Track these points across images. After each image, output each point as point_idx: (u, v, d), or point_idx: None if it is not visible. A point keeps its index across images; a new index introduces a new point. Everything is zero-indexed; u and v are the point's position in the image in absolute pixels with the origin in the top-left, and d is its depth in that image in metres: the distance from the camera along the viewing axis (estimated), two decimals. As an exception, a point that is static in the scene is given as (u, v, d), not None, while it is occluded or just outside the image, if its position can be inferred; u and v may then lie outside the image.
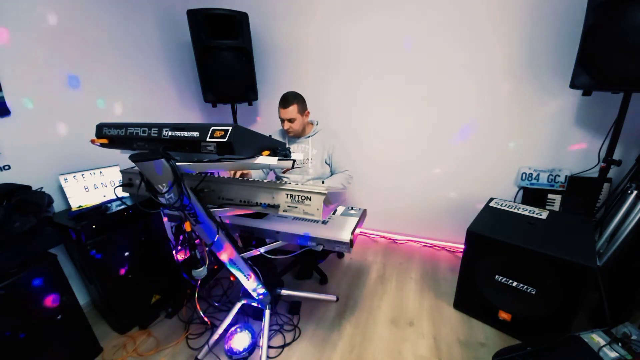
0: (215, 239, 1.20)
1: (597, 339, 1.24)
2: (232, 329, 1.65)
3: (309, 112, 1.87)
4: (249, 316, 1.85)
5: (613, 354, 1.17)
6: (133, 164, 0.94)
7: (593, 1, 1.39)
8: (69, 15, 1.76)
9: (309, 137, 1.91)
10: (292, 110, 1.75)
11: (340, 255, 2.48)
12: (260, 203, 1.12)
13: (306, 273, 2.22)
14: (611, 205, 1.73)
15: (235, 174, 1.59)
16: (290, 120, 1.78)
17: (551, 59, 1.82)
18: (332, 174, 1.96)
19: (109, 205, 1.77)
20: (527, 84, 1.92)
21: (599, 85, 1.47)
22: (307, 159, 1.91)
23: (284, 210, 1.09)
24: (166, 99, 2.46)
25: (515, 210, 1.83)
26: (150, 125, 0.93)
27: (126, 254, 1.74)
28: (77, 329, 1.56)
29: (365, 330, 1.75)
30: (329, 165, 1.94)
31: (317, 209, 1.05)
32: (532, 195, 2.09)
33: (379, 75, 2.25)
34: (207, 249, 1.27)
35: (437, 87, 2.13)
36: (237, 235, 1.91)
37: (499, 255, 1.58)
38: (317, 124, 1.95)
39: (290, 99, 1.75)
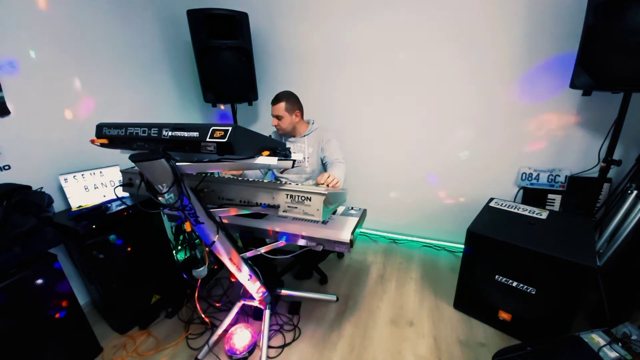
0: (215, 239, 1.20)
1: (597, 339, 1.24)
2: (232, 329, 1.65)
3: (299, 112, 1.86)
4: (249, 316, 1.85)
5: (613, 354, 1.17)
6: (133, 164, 0.94)
7: (593, 1, 1.39)
8: (68, 14, 1.76)
9: (304, 136, 1.91)
10: (279, 108, 1.77)
11: (340, 255, 2.48)
12: (260, 203, 1.12)
13: (306, 273, 2.22)
14: (611, 205, 1.74)
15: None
16: (278, 117, 1.80)
17: (551, 58, 1.82)
18: (323, 165, 1.93)
19: (109, 205, 1.77)
20: (527, 83, 1.92)
21: (599, 85, 1.47)
22: (304, 157, 1.91)
23: (284, 211, 1.09)
24: (166, 99, 2.46)
25: (515, 210, 1.83)
26: (150, 125, 0.93)
27: (126, 254, 1.74)
28: (77, 329, 1.56)
29: (365, 330, 1.75)
30: (322, 159, 1.92)
31: (317, 210, 1.05)
32: (532, 195, 2.09)
33: (379, 75, 2.25)
34: (207, 249, 1.27)
35: (437, 87, 2.13)
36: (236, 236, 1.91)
37: (499, 255, 1.58)
38: (312, 123, 1.94)
39: (280, 96, 1.78)
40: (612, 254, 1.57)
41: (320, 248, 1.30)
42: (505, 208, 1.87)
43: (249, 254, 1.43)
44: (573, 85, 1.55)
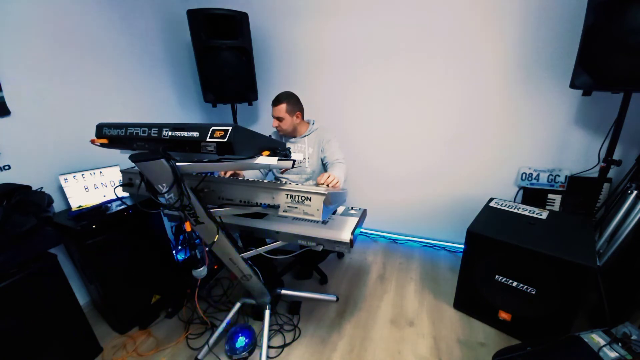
0: (215, 239, 1.20)
1: (597, 339, 1.24)
2: (232, 329, 1.65)
3: (300, 114, 1.84)
4: (249, 316, 1.85)
5: (613, 354, 1.17)
6: (133, 164, 0.94)
7: (593, 1, 1.39)
8: (68, 15, 1.76)
9: (304, 136, 1.91)
10: (281, 109, 1.76)
11: (340, 255, 2.48)
12: (260, 203, 1.12)
13: (306, 273, 2.22)
14: (611, 205, 1.74)
15: (226, 172, 1.57)
16: (279, 119, 1.80)
17: (551, 59, 1.82)
18: (324, 166, 1.92)
19: (109, 205, 1.77)
20: (527, 84, 1.92)
21: (599, 85, 1.47)
22: (304, 158, 1.91)
23: (284, 211, 1.09)
24: (166, 99, 2.46)
25: (515, 210, 1.83)
26: (150, 125, 0.93)
27: (126, 254, 1.74)
28: (77, 329, 1.56)
29: (365, 331, 1.75)
30: (322, 160, 1.92)
31: (317, 210, 1.05)
32: (532, 195, 2.09)
33: (379, 75, 2.24)
34: (207, 249, 1.27)
35: (437, 87, 2.13)
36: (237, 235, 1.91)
37: (499, 255, 1.58)
38: (313, 124, 1.94)
39: (281, 98, 1.77)
40: (612, 254, 1.57)
41: (320, 248, 1.30)
42: (505, 208, 1.87)
43: (248, 254, 1.44)
44: (573, 85, 1.55)
